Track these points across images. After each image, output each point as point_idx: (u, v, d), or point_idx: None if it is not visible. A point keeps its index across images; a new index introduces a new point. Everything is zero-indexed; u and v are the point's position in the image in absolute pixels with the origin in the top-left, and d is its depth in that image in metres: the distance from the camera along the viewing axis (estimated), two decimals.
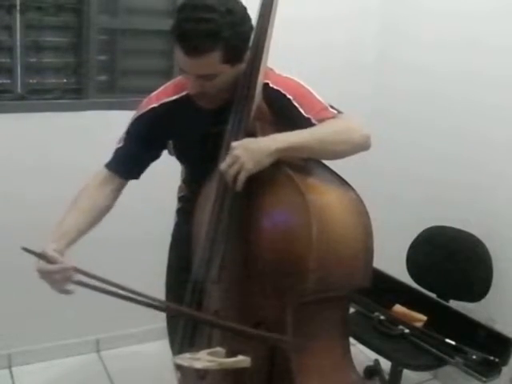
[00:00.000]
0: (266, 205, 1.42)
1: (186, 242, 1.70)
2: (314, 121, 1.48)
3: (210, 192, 1.54)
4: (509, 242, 2.41)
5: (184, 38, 1.39)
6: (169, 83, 1.69)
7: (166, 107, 1.63)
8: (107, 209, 1.64)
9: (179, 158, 1.76)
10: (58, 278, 1.43)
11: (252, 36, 1.47)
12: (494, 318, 2.36)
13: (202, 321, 1.54)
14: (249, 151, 1.35)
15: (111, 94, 2.68)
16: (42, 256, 1.44)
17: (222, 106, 1.52)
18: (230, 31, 1.39)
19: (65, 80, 2.58)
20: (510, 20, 2.40)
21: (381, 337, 2.36)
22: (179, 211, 1.93)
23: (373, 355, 2.49)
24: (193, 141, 1.63)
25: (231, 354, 1.37)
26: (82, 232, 1.57)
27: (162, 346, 2.02)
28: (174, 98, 1.62)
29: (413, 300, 2.48)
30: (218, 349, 1.39)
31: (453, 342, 2.21)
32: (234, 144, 1.38)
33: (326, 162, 1.52)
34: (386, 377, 2.56)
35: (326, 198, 1.41)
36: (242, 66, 1.48)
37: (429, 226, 2.59)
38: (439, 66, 2.70)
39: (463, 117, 2.61)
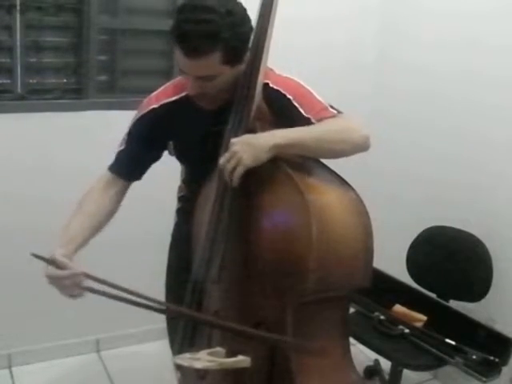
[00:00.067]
0: (266, 204, 1.42)
1: (186, 242, 1.70)
2: (313, 120, 1.48)
3: (209, 192, 1.54)
4: (509, 242, 2.41)
5: (184, 39, 1.39)
6: (168, 84, 1.69)
7: (166, 108, 1.63)
8: (112, 212, 1.65)
9: (179, 158, 1.76)
10: (68, 283, 1.42)
11: (252, 36, 1.47)
12: (494, 318, 2.36)
13: (203, 322, 1.54)
14: (247, 146, 1.36)
15: (111, 93, 2.68)
16: (51, 262, 1.43)
17: (222, 107, 1.52)
18: (229, 32, 1.39)
19: (65, 80, 2.58)
20: (509, 20, 2.40)
21: (381, 337, 2.36)
22: (179, 211, 1.93)
23: (373, 355, 2.50)
24: (193, 141, 1.63)
25: (231, 354, 1.37)
26: (88, 236, 1.57)
27: (162, 346, 2.02)
28: (174, 98, 1.62)
29: (413, 300, 2.48)
30: (218, 349, 1.39)
31: (453, 342, 2.21)
32: (234, 140, 1.39)
33: (326, 162, 1.52)
34: (386, 377, 2.56)
35: (325, 197, 1.41)
36: (242, 67, 1.48)
37: (429, 225, 2.59)
38: (439, 65, 2.70)
39: (463, 117, 2.61)
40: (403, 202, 2.90)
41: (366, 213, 1.44)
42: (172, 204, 1.94)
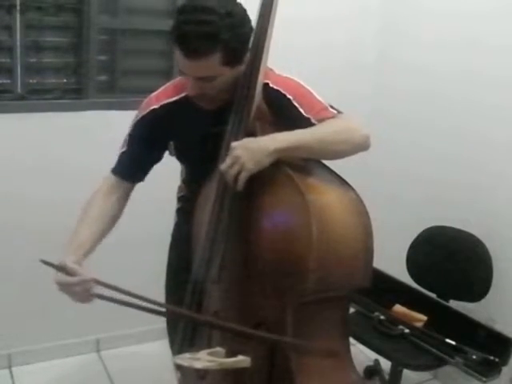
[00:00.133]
0: (266, 205, 1.42)
1: (186, 242, 1.70)
2: (313, 121, 1.48)
3: (210, 192, 1.54)
4: (509, 242, 2.41)
5: (184, 40, 1.39)
6: (168, 84, 1.69)
7: (166, 108, 1.63)
8: (118, 214, 1.65)
9: (179, 158, 1.76)
10: (78, 290, 1.42)
11: (252, 37, 1.47)
12: (494, 318, 2.36)
13: (205, 324, 1.53)
14: (249, 151, 1.35)
15: (111, 93, 2.68)
16: (61, 268, 1.43)
17: (222, 107, 1.52)
18: (229, 33, 1.39)
19: (65, 80, 2.58)
20: (509, 20, 2.40)
21: (381, 337, 2.36)
22: (179, 211, 1.93)
23: (373, 355, 2.50)
24: (193, 141, 1.63)
25: (231, 353, 1.37)
26: (96, 241, 1.57)
27: (162, 346, 2.02)
28: (174, 99, 1.62)
29: (413, 300, 2.48)
30: (218, 349, 1.39)
31: (453, 342, 2.21)
32: (234, 144, 1.38)
33: (326, 162, 1.52)
34: (386, 377, 2.56)
35: (326, 197, 1.41)
36: (242, 67, 1.48)
37: (429, 225, 2.59)
38: (439, 65, 2.70)
39: (463, 117, 2.61)
40: (403, 202, 2.90)
41: (366, 213, 1.44)
42: (172, 204, 1.94)
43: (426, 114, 2.79)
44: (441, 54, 2.69)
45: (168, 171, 1.85)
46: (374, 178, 2.92)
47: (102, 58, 2.64)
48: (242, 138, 1.42)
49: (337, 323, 1.48)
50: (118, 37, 2.67)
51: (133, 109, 1.73)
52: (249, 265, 1.45)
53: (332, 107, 1.54)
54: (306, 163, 1.46)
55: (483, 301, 2.36)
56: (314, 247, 1.31)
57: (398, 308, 2.46)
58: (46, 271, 2.69)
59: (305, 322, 1.40)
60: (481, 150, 2.54)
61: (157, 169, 1.73)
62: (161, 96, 1.65)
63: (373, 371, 2.69)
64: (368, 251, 1.44)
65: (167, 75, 2.65)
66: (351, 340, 1.58)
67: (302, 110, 1.49)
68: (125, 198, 1.67)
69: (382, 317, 2.41)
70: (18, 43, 2.41)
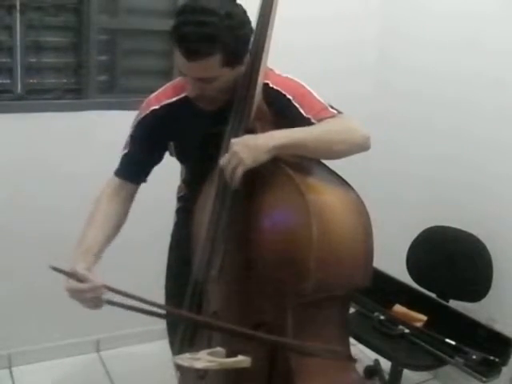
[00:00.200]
0: (267, 205, 1.42)
1: (186, 242, 1.70)
2: (313, 121, 1.48)
3: (210, 192, 1.54)
4: (509, 242, 2.41)
5: (184, 41, 1.39)
6: (168, 85, 1.69)
7: (166, 109, 1.63)
8: (124, 216, 1.65)
9: (179, 158, 1.76)
10: (89, 296, 1.42)
11: (252, 37, 1.47)
12: (494, 318, 2.36)
13: (208, 326, 1.53)
14: (247, 147, 1.36)
15: (111, 94, 2.68)
16: (71, 274, 1.43)
17: (222, 107, 1.52)
18: (229, 35, 1.39)
19: (65, 80, 2.58)
20: (510, 21, 2.40)
21: (381, 337, 2.36)
22: (179, 211, 1.93)
23: (373, 355, 2.50)
24: (193, 141, 1.63)
25: (231, 353, 1.37)
26: (105, 245, 1.57)
27: (162, 346, 2.02)
28: (174, 99, 1.62)
29: (413, 300, 2.48)
30: (219, 349, 1.39)
31: (453, 342, 2.21)
32: (234, 140, 1.39)
33: (327, 162, 1.52)
34: (386, 377, 2.57)
35: (326, 198, 1.41)
36: (242, 68, 1.48)
37: (429, 226, 2.59)
38: (439, 66, 2.70)
39: (463, 117, 2.61)
40: (403, 202, 2.91)
41: (367, 213, 1.44)
42: (172, 204, 1.94)
43: (426, 115, 2.79)
44: (441, 54, 2.69)
45: (168, 171, 1.85)
46: (374, 178, 2.92)
47: (102, 58, 2.64)
48: None
49: (337, 323, 1.48)
50: (118, 37, 2.67)
51: (133, 109, 1.73)
52: (249, 265, 1.44)
53: (332, 107, 1.53)
54: (306, 163, 1.46)
55: (483, 301, 2.36)
56: (315, 247, 1.32)
57: (398, 308, 2.46)
58: (46, 272, 2.68)
59: (305, 322, 1.40)
60: (481, 151, 2.54)
61: (157, 169, 1.73)
62: (160, 97, 1.65)
63: (373, 371, 2.69)
64: (368, 251, 1.44)
65: (167, 75, 2.65)
66: (351, 340, 1.58)
67: (302, 110, 1.49)
68: (129, 199, 1.67)
69: (381, 317, 2.41)
70: (18, 43, 2.41)
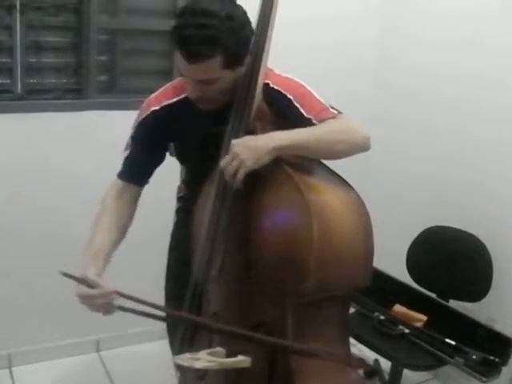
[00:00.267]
0: (267, 205, 1.42)
1: (186, 243, 1.70)
2: (314, 121, 1.48)
3: (210, 192, 1.54)
4: (509, 242, 2.41)
5: (185, 43, 1.39)
6: (168, 85, 1.68)
7: (166, 109, 1.62)
8: (130, 219, 1.64)
9: (179, 158, 1.76)
10: (101, 302, 1.41)
11: (252, 38, 1.47)
12: (494, 318, 2.36)
13: (210, 329, 1.52)
14: (248, 148, 1.36)
15: (111, 94, 2.68)
16: (82, 280, 1.42)
17: (222, 107, 1.52)
18: (230, 37, 1.39)
19: (65, 80, 2.58)
20: (510, 22, 2.40)
21: (381, 337, 2.36)
22: (178, 211, 1.93)
23: (373, 355, 2.49)
24: (193, 142, 1.63)
25: (231, 354, 1.37)
26: (113, 249, 1.57)
27: (162, 346, 2.02)
28: (174, 100, 1.62)
29: (413, 300, 2.48)
30: (219, 349, 1.39)
31: (453, 342, 2.21)
32: (234, 141, 1.39)
33: (327, 162, 1.52)
34: (386, 377, 2.56)
35: (326, 198, 1.41)
36: (243, 69, 1.48)
37: (429, 226, 2.59)
38: (439, 67, 2.70)
39: (463, 118, 2.61)
40: (403, 202, 2.91)
41: (367, 213, 1.44)
42: (172, 204, 1.94)
43: (426, 115, 2.79)
44: (441, 55, 2.69)
45: (168, 171, 1.85)
46: (375, 178, 2.92)
47: (102, 58, 2.64)
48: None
49: (337, 323, 1.48)
50: (118, 37, 2.67)
51: (133, 109, 1.73)
52: (249, 265, 1.45)
53: (332, 108, 1.54)
54: (306, 163, 1.47)
55: (483, 301, 2.36)
56: (315, 247, 1.32)
57: (398, 308, 2.46)
58: (46, 272, 2.69)
59: (305, 322, 1.40)
60: (481, 151, 2.54)
61: (156, 169, 1.73)
62: (160, 97, 1.65)
63: (373, 371, 2.69)
64: (368, 251, 1.44)
65: (167, 75, 2.65)
66: (351, 340, 1.58)
67: (302, 111, 1.49)
68: (134, 201, 1.67)
69: (381, 317, 2.41)
70: (18, 43, 2.41)
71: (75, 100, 2.59)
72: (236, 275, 1.49)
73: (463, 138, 2.60)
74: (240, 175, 1.35)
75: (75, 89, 2.59)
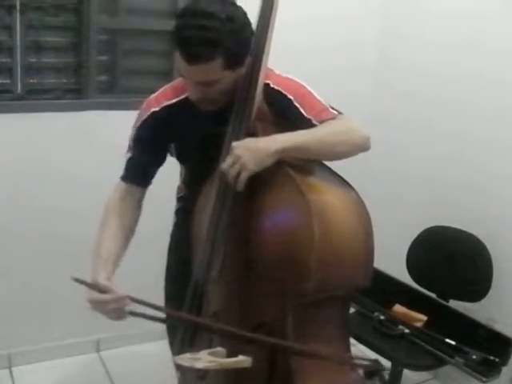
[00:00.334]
0: (267, 205, 1.42)
1: (186, 243, 1.70)
2: (314, 121, 1.48)
3: (210, 192, 1.54)
4: (509, 242, 2.41)
5: (185, 45, 1.38)
6: (167, 86, 1.68)
7: (166, 110, 1.62)
8: (135, 221, 1.64)
9: (180, 159, 1.76)
10: (113, 307, 1.40)
11: (252, 39, 1.47)
12: (494, 318, 2.36)
13: (212, 330, 1.52)
14: (250, 151, 1.36)
15: (111, 94, 2.68)
16: (94, 286, 1.41)
17: (223, 108, 1.51)
18: (231, 38, 1.38)
19: (65, 80, 2.58)
20: (510, 22, 2.40)
21: (381, 337, 2.36)
22: (178, 211, 1.92)
23: (373, 355, 2.49)
24: (194, 143, 1.63)
25: (232, 353, 1.37)
26: (121, 254, 1.56)
27: (162, 346, 2.02)
28: (174, 101, 1.62)
29: (413, 300, 2.48)
30: (219, 349, 1.38)
31: (453, 342, 2.21)
32: (235, 144, 1.38)
33: (327, 163, 1.52)
34: (386, 377, 2.56)
35: (327, 198, 1.41)
36: (243, 70, 1.48)
37: (429, 226, 2.59)
38: (439, 67, 2.70)
39: (463, 118, 2.61)
40: (403, 202, 2.91)
41: (367, 213, 1.44)
42: (171, 205, 1.94)
43: (426, 115, 2.79)
44: (441, 55, 2.69)
45: (167, 171, 1.85)
46: (375, 178, 2.92)
47: (102, 58, 2.64)
48: (243, 138, 1.42)
49: (337, 323, 1.48)
50: (118, 37, 2.67)
51: (133, 109, 1.73)
52: (249, 265, 1.45)
53: (332, 108, 1.54)
54: (306, 163, 1.46)
55: (483, 301, 2.36)
56: (316, 247, 1.32)
57: (398, 308, 2.46)
58: (46, 272, 2.69)
59: (305, 322, 1.40)
60: (481, 151, 2.54)
61: None
62: (160, 98, 1.64)
63: (373, 371, 2.68)
64: (369, 251, 1.44)
65: (167, 75, 2.66)
66: (351, 340, 1.58)
67: (303, 111, 1.49)
68: (138, 203, 1.66)
69: (381, 317, 2.41)
70: (18, 43, 2.41)
71: (75, 100, 2.59)
72: (236, 275, 1.49)
73: (463, 138, 2.61)
74: (243, 178, 1.35)
75: (75, 89, 2.59)
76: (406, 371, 2.42)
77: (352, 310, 2.43)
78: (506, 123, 2.43)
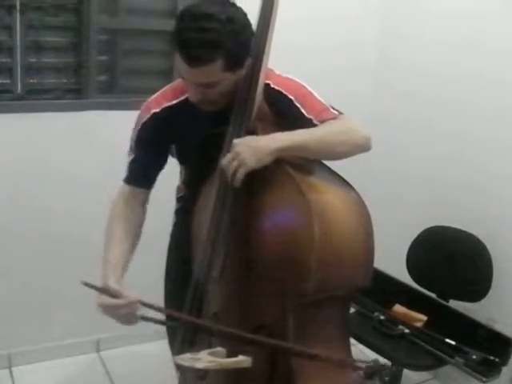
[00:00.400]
0: (268, 205, 1.42)
1: (186, 243, 1.69)
2: (315, 121, 1.48)
3: (210, 192, 1.54)
4: (509, 242, 2.41)
5: (185, 47, 1.38)
6: (167, 87, 1.68)
7: (167, 112, 1.61)
8: (141, 225, 1.64)
9: (180, 159, 1.76)
10: (124, 312, 1.40)
11: (253, 40, 1.47)
12: (494, 318, 2.36)
13: (208, 330, 1.52)
14: (250, 148, 1.36)
15: (111, 94, 2.68)
16: (104, 290, 1.40)
17: (223, 109, 1.51)
18: (231, 40, 1.38)
19: (65, 80, 2.58)
20: (510, 22, 2.40)
21: (381, 337, 2.36)
22: (178, 211, 1.92)
23: (373, 355, 2.49)
24: (194, 143, 1.63)
25: (232, 353, 1.37)
26: (129, 257, 1.56)
27: (162, 346, 2.02)
28: (174, 102, 1.61)
29: (413, 300, 2.48)
30: (219, 349, 1.38)
31: (453, 342, 2.21)
32: (236, 141, 1.39)
33: (327, 163, 1.52)
34: (386, 377, 2.56)
35: (327, 198, 1.41)
36: (243, 71, 1.48)
37: (429, 226, 2.59)
38: (439, 67, 2.70)
39: (463, 118, 2.61)
40: (403, 202, 2.91)
41: (367, 213, 1.44)
42: (171, 205, 1.93)
43: (426, 115, 2.79)
44: (441, 55, 2.69)
45: (167, 172, 1.85)
46: (375, 178, 2.92)
47: (102, 58, 2.64)
48: None
49: (337, 323, 1.49)
50: (118, 37, 2.67)
51: (133, 109, 1.72)
52: (250, 265, 1.45)
53: (333, 108, 1.54)
54: (307, 163, 1.47)
55: (483, 301, 2.36)
56: (316, 247, 1.32)
57: (398, 308, 2.46)
58: (46, 272, 2.69)
59: (305, 322, 1.40)
60: (481, 151, 2.54)
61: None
62: (160, 99, 1.64)
63: (373, 372, 2.68)
64: (369, 251, 1.44)
65: (167, 75, 2.66)
66: (351, 340, 1.58)
67: (303, 111, 1.49)
68: (144, 205, 1.66)
69: (381, 317, 2.41)
70: (18, 43, 2.41)
71: (75, 100, 2.58)
72: (237, 275, 1.49)
73: (463, 137, 2.60)
74: (240, 174, 1.35)
75: (75, 89, 2.59)
76: (405, 371, 2.43)
77: (352, 310, 2.43)
78: (506, 123, 2.43)
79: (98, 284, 1.42)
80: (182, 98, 1.59)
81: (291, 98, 1.51)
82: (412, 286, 2.56)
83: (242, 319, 1.47)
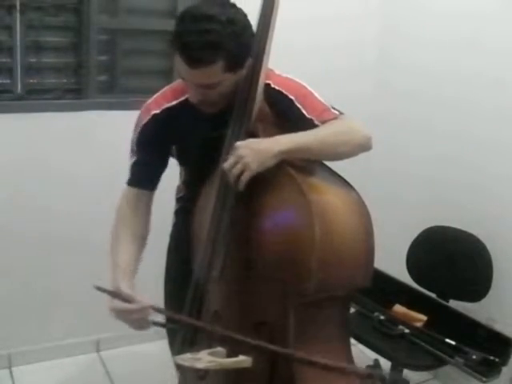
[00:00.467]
0: (268, 205, 1.42)
1: (185, 243, 1.69)
2: (316, 122, 1.48)
3: (210, 193, 1.54)
4: (509, 242, 2.41)
5: (186, 49, 1.37)
6: (166, 88, 1.67)
7: (167, 113, 1.61)
8: (147, 227, 1.64)
9: (180, 160, 1.76)
10: (137, 317, 1.40)
11: (253, 40, 1.46)
12: (494, 318, 2.36)
13: (216, 336, 1.52)
14: (253, 151, 1.36)
15: (111, 94, 2.68)
16: (117, 295, 1.40)
17: (223, 109, 1.51)
18: (232, 41, 1.38)
19: (65, 80, 2.58)
20: (510, 21, 2.40)
21: (381, 337, 2.36)
22: (178, 212, 1.92)
23: (373, 355, 2.49)
24: (194, 144, 1.63)
25: (232, 353, 1.37)
26: (138, 260, 1.56)
27: (162, 346, 2.02)
28: (174, 103, 1.61)
29: (413, 300, 2.48)
30: (219, 349, 1.38)
31: (453, 342, 2.21)
32: (238, 144, 1.38)
33: (328, 163, 1.52)
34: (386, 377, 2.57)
35: (328, 198, 1.41)
36: (244, 71, 1.47)
37: (429, 226, 2.59)
38: (440, 66, 2.70)
39: (463, 117, 2.61)
40: (403, 202, 2.91)
41: (368, 213, 1.44)
42: (171, 205, 1.93)
43: (426, 115, 2.79)
44: (441, 54, 2.69)
45: (167, 172, 1.85)
46: (375, 178, 2.93)
47: (102, 58, 2.64)
48: (244, 139, 1.42)
49: (337, 323, 1.49)
50: (118, 37, 2.67)
51: (133, 109, 1.72)
52: (250, 265, 1.45)
53: (334, 108, 1.54)
54: (307, 164, 1.47)
55: (483, 301, 2.36)
56: (317, 247, 1.32)
57: (398, 308, 2.46)
58: (46, 272, 2.69)
59: (306, 322, 1.40)
60: (481, 151, 2.54)
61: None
62: (160, 100, 1.63)
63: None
64: (369, 252, 1.44)
65: (167, 75, 2.66)
66: (351, 340, 1.58)
67: (304, 111, 1.49)
68: (149, 206, 1.65)
69: (381, 317, 2.41)
70: (18, 43, 2.41)
71: (75, 100, 2.58)
72: (237, 275, 1.49)
73: (463, 137, 2.60)
74: (244, 178, 1.35)
75: (75, 89, 2.59)
76: (406, 371, 2.43)
77: (352, 310, 2.43)
78: (506, 123, 2.43)
79: (109, 288, 1.42)
80: (182, 98, 1.59)
81: (292, 98, 1.51)
82: (412, 286, 2.56)
83: (242, 317, 1.47)
